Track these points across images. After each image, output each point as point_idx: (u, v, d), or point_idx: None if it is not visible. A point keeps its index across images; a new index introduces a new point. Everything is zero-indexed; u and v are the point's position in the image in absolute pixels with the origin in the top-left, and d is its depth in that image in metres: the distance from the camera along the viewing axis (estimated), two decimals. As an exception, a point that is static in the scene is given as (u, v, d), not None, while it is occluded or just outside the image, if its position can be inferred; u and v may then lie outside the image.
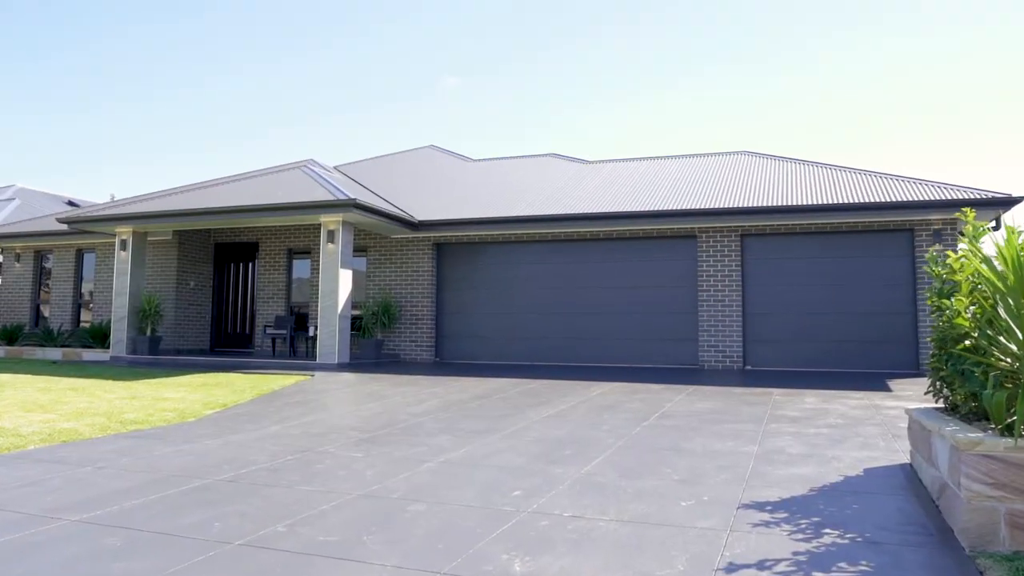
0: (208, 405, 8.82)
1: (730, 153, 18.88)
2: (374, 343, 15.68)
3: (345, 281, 14.26)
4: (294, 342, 17.07)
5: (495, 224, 15.09)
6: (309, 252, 17.58)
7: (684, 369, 13.95)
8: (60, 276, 19.34)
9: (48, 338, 17.86)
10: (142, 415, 7.94)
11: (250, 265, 18.44)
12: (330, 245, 14.18)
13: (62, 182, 75.75)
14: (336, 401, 9.39)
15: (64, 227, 17.56)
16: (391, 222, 14.68)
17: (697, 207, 14.08)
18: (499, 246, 16.18)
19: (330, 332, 14.01)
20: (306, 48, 54.89)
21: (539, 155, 21.56)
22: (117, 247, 16.40)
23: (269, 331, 16.99)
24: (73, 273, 19.17)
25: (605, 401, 8.99)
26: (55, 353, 16.82)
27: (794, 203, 13.35)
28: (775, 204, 13.49)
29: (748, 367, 13.97)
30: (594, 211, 14.57)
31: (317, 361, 14.09)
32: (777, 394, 9.55)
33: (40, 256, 19.96)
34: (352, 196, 13.28)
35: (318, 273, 17.00)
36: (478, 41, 56.79)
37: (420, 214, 15.77)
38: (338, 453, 5.96)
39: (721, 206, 13.89)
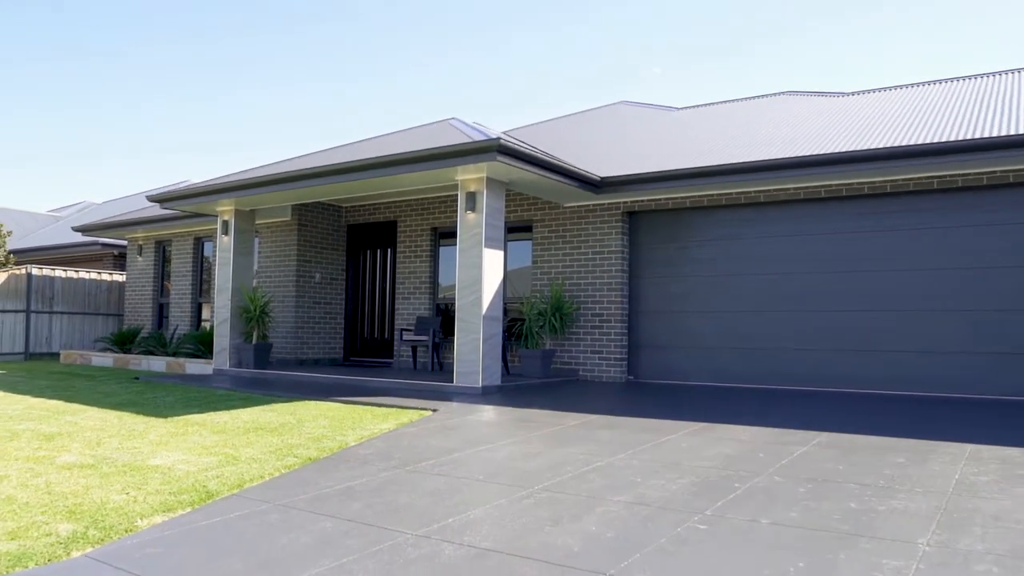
0: (193, 489, 4.82)
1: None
2: (540, 356, 11.30)
3: (492, 267, 9.98)
4: (439, 351, 13.11)
5: (716, 177, 10.16)
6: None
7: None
8: (179, 270, 16.82)
9: (160, 344, 15.26)
10: (57, 513, 4.05)
11: (388, 251, 14.77)
12: (469, 215, 9.96)
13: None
14: (437, 492, 5.04)
15: (171, 211, 14.81)
16: (560, 179, 10.20)
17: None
18: (718, 213, 11.21)
19: (471, 341, 9.79)
20: (491, 43, 52.10)
21: (771, 94, 16.19)
22: (218, 230, 13.28)
23: (407, 337, 13.15)
24: (192, 265, 16.55)
25: None
26: (160, 363, 14.08)
27: None
28: None
29: None
30: (904, 144, 9.20)
31: (454, 383, 9.93)
32: None
33: (162, 247, 17.62)
34: (495, 136, 8.94)
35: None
36: (680, 32, 51.24)
37: (605, 170, 11.17)
38: None
39: None
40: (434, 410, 8.23)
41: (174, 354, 14.64)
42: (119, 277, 19.49)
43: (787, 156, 9.63)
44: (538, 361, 11.35)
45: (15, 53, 52.31)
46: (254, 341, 12.72)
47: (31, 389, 10.70)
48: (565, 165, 10.11)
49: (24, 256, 22.25)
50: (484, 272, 9.81)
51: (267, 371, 12.28)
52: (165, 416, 7.99)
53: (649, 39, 55.74)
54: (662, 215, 11.71)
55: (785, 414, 8.08)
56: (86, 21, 49.72)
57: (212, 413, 8.19)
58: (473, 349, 9.79)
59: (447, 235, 13.81)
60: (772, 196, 10.63)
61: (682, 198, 11.23)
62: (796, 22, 50.65)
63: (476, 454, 5.89)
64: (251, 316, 12.66)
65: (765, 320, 10.79)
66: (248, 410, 8.40)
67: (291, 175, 11.08)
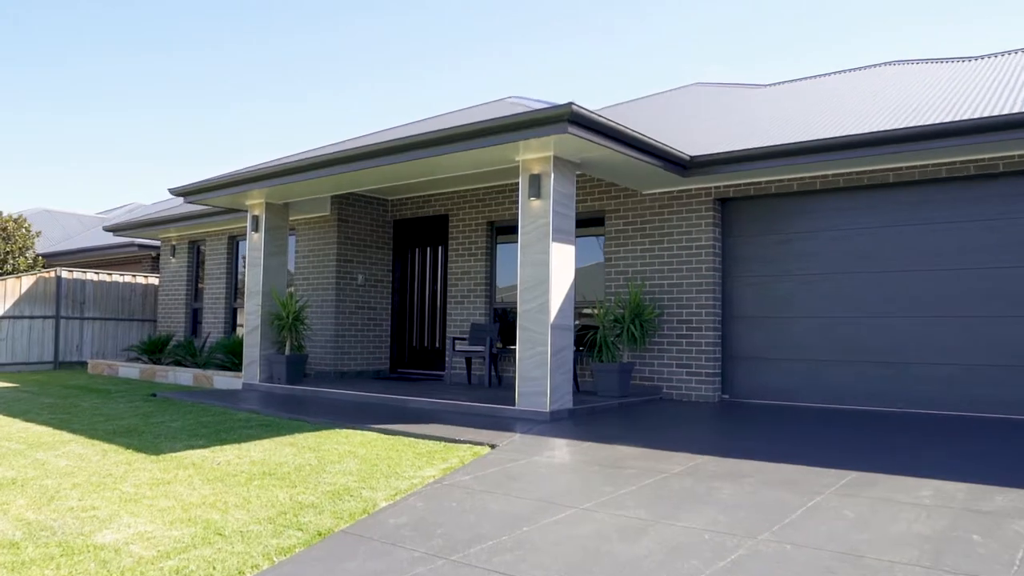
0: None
1: None
2: (617, 371, 9.53)
3: (562, 265, 8.26)
4: (498, 364, 11.44)
5: (834, 152, 8.24)
6: (517, 228, 11.85)
7: None
8: (212, 271, 15.51)
9: (190, 353, 13.94)
10: None
11: (439, 249, 13.16)
12: (533, 202, 8.25)
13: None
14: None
15: (202, 207, 13.49)
16: (642, 158, 8.41)
17: None
18: (832, 199, 9.29)
19: (536, 355, 8.07)
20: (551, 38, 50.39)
21: (872, 65, 14.09)
22: (248, 227, 11.84)
23: (459, 347, 11.51)
24: (226, 267, 15.21)
25: None
26: (187, 376, 12.74)
27: None
28: None
29: None
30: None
31: (516, 406, 8.22)
32: None
33: (196, 248, 16.36)
34: (566, 102, 7.21)
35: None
36: (741, 32, 48.77)
37: (693, 149, 9.33)
38: None
39: None
40: (492, 445, 6.54)
41: (204, 365, 13.29)
42: (154, 280, 18.36)
43: (957, 120, 7.63)
44: (614, 377, 9.58)
45: (75, 51, 52.67)
46: (287, 352, 11.23)
47: (28, 409, 9.39)
48: (650, 140, 8.32)
49: (61, 259, 21.39)
50: (552, 271, 8.08)
51: (300, 387, 10.77)
52: (159, 452, 6.48)
53: (704, 37, 53.36)
54: (762, 202, 9.81)
55: (959, 455, 6.16)
56: (154, 18, 49.68)
57: (218, 447, 6.65)
58: (539, 365, 8.07)
59: (506, 230, 12.13)
60: (904, 175, 8.66)
61: (788, 181, 9.32)
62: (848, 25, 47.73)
63: (552, 528, 4.17)
64: (283, 324, 11.18)
65: (888, 328, 8.82)
66: (263, 443, 6.84)
67: (327, 159, 9.54)
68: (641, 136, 8.14)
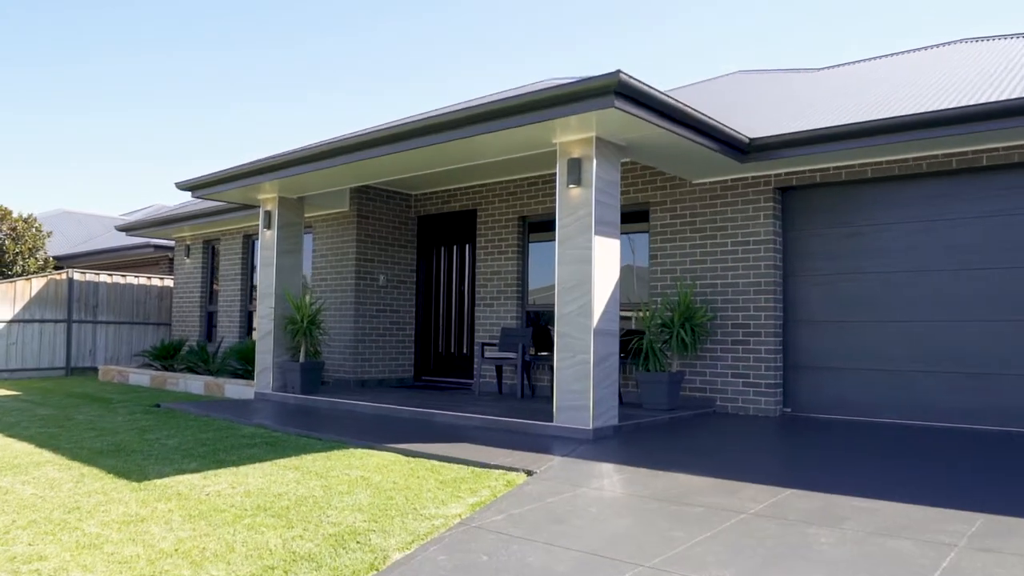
0: None
1: None
2: (667, 381, 8.53)
3: (606, 262, 7.28)
4: (531, 372, 10.48)
5: (920, 131, 7.18)
6: (553, 224, 10.89)
7: None
8: (227, 272, 14.73)
9: (202, 359, 13.16)
10: None
11: (466, 247, 12.24)
12: (573, 191, 7.27)
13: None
14: None
15: (215, 202, 12.72)
16: (697, 139, 7.40)
17: None
18: (912, 186, 8.22)
19: (576, 365, 7.10)
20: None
21: (937, 44, 12.93)
22: (260, 224, 11.01)
23: (489, 354, 10.57)
24: (241, 267, 14.42)
25: None
26: (198, 384, 11.95)
27: None
28: None
29: None
30: None
31: (554, 422, 7.25)
32: None
33: (211, 247, 15.60)
34: (614, 69, 6.24)
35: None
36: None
37: (750, 132, 8.29)
38: None
39: None
40: (529, 472, 5.58)
41: (216, 372, 12.49)
42: (170, 282, 17.66)
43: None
44: (663, 388, 8.58)
45: (105, 51, 52.71)
46: (301, 359, 10.36)
47: (18, 422, 8.60)
48: (707, 118, 7.30)
49: (77, 261, 20.82)
50: (595, 269, 7.11)
51: (316, 397, 9.90)
52: (143, 478, 5.61)
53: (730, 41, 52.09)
54: (829, 191, 8.75)
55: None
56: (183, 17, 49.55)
57: (213, 472, 5.77)
58: (580, 376, 7.10)
59: (540, 226, 11.17)
60: (1000, 158, 7.56)
61: (861, 166, 8.26)
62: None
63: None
64: (298, 328, 10.32)
65: (986, 334, 7.72)
66: (265, 466, 5.95)
67: (345, 145, 8.64)
68: (697, 113, 7.13)
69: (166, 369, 13.61)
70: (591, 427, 6.97)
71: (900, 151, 7.85)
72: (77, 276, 16.49)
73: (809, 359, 8.81)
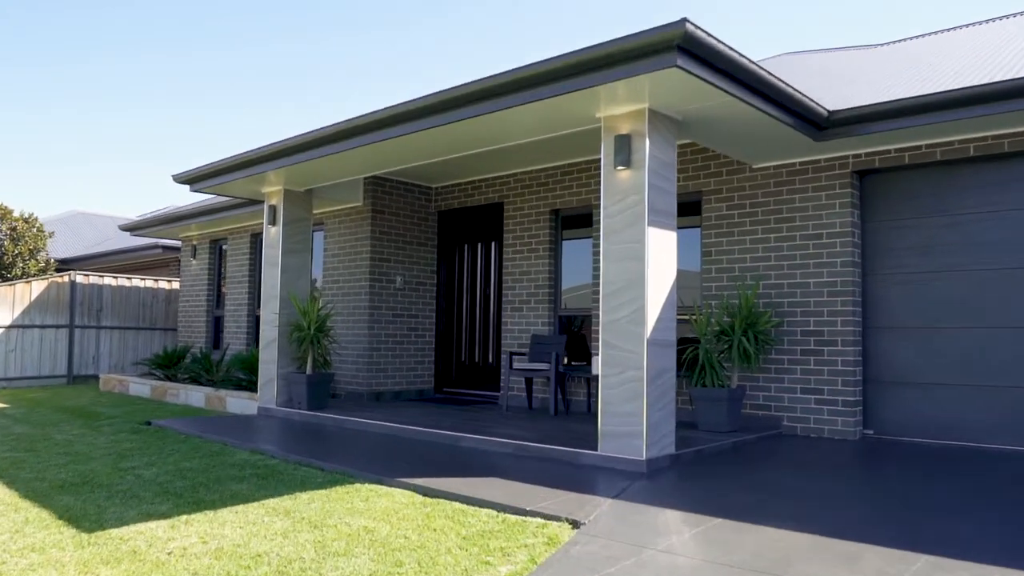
0: None
1: None
2: (727, 398, 7.35)
3: (661, 258, 6.11)
4: (565, 386, 9.33)
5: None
6: (590, 219, 9.74)
7: None
8: (234, 274, 13.72)
9: (206, 368, 12.16)
10: None
11: (492, 245, 11.12)
12: (622, 173, 6.11)
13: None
14: None
15: (222, 197, 11.73)
16: (770, 110, 6.19)
17: None
18: (1020, 165, 6.94)
19: (626, 382, 5.94)
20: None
21: (1009, 15, 11.59)
22: (265, 220, 9.97)
23: (518, 365, 9.44)
24: (248, 269, 13.40)
25: None
26: (199, 396, 10.94)
27: None
28: None
29: None
30: None
31: (599, 450, 6.09)
32: None
33: (218, 247, 14.62)
34: (678, 18, 5.08)
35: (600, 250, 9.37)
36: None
37: (832, 104, 7.06)
38: None
39: None
40: (574, 523, 4.43)
41: (219, 383, 11.46)
42: (178, 285, 16.72)
43: None
44: (722, 407, 7.39)
45: (126, 50, 52.38)
46: (308, 370, 9.29)
47: (-16, 445, 7.61)
48: (784, 84, 6.10)
49: (85, 263, 19.99)
50: (648, 267, 5.94)
51: (324, 414, 8.83)
52: (98, 526, 4.54)
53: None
54: (920, 174, 7.51)
55: None
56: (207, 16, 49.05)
57: (185, 518, 4.69)
58: (630, 395, 5.93)
59: (575, 220, 10.02)
60: None
61: (962, 143, 7.02)
62: None
63: None
64: (304, 336, 9.25)
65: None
66: (251, 510, 4.86)
67: (359, 124, 7.46)
68: (773, 78, 5.94)
69: (168, 379, 12.62)
70: (644, 458, 5.81)
71: (1015, 123, 6.60)
72: (80, 279, 15.60)
73: (893, 372, 7.56)
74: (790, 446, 7.10)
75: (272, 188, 9.81)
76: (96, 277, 15.84)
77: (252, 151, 8.81)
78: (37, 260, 18.00)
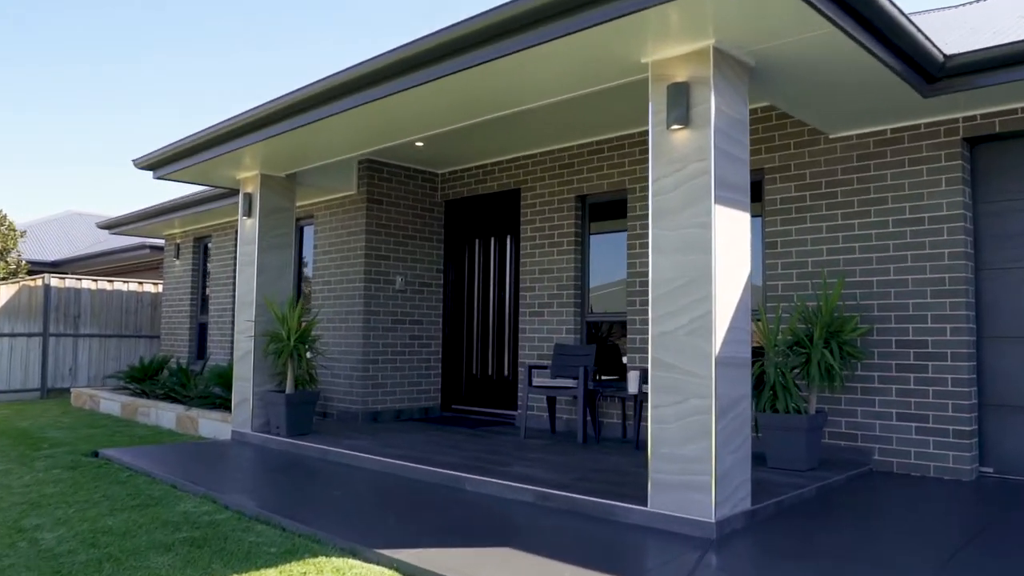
0: None
1: None
2: (805, 427, 5.79)
3: (734, 246, 4.57)
4: (596, 406, 7.79)
5: None
6: (623, 206, 8.20)
7: None
8: (217, 276, 12.30)
9: (183, 383, 10.73)
10: None
11: (507, 239, 9.61)
12: (678, 133, 4.58)
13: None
14: None
15: (202, 188, 10.31)
16: (873, 48, 4.63)
17: None
18: None
19: (688, 413, 4.41)
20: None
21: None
22: (240, 211, 8.52)
23: (539, 382, 7.93)
24: (233, 269, 11.96)
25: None
26: (170, 416, 9.53)
27: None
28: None
29: None
30: None
31: (649, 506, 4.56)
32: None
33: (203, 246, 13.20)
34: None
35: (639, 239, 7.88)
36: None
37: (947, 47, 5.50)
38: None
39: None
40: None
41: (194, 401, 10.00)
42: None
43: None
44: (800, 438, 5.83)
45: (143, 51, 51.47)
46: (288, 389, 7.82)
47: None
48: (900, 14, 4.55)
49: (75, 266, 18.70)
50: (716, 259, 4.41)
51: (306, 442, 7.35)
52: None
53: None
54: (1045, 143, 5.93)
55: None
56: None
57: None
58: (694, 434, 4.40)
59: (605, 208, 8.50)
60: None
61: (1110, 100, 5.44)
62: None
63: None
64: (283, 347, 7.78)
65: None
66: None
67: (345, 80, 5.94)
68: (891, 5, 4.38)
69: (143, 394, 11.21)
70: (713, 520, 4.27)
71: None
72: (55, 282, 14.26)
73: (1018, 394, 5.98)
74: (894, 491, 5.53)
75: (247, 173, 8.36)
76: (73, 280, 14.50)
77: (219, 124, 7.34)
78: (7, 262, 16.67)
